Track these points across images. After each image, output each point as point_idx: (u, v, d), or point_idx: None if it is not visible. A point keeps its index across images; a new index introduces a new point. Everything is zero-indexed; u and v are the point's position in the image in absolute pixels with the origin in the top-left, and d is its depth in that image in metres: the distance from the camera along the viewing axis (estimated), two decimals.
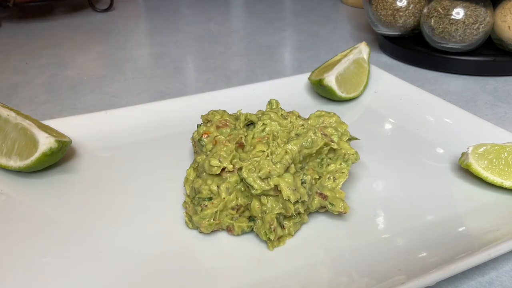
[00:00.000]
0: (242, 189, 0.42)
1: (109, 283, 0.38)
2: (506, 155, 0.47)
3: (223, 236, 0.43)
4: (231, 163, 0.42)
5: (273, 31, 1.09)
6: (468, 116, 0.58)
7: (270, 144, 0.43)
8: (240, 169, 0.42)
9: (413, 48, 0.84)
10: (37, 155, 0.48)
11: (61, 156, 0.51)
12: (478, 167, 0.48)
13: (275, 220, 0.41)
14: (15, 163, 0.49)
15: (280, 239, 0.41)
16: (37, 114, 0.68)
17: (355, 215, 0.45)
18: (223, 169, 0.42)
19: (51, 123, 0.56)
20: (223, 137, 0.44)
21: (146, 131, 0.59)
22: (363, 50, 0.70)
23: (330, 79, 0.63)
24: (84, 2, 1.24)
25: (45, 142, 0.48)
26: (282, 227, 0.42)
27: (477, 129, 0.55)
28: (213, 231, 0.43)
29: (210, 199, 0.42)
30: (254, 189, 0.41)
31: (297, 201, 0.41)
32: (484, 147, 0.49)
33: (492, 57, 0.78)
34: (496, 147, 0.48)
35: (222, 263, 0.40)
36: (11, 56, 0.93)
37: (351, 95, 0.66)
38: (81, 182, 0.50)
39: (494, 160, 0.47)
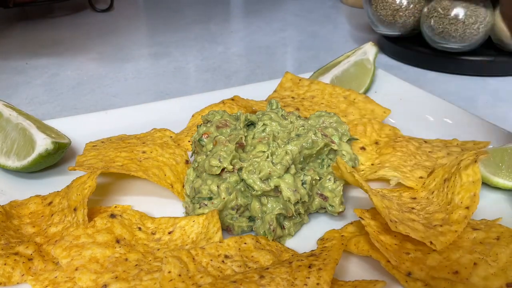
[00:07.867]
0: (242, 189, 0.42)
1: None
2: (506, 156, 0.47)
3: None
4: (231, 163, 0.42)
5: (273, 31, 1.09)
6: (468, 116, 0.58)
7: (271, 145, 0.43)
8: (240, 169, 0.41)
9: (413, 48, 0.84)
10: (33, 156, 0.48)
11: (58, 158, 0.51)
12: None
13: (275, 220, 0.41)
14: (13, 163, 0.48)
15: (280, 239, 0.41)
16: (37, 114, 0.68)
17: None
18: (223, 169, 0.42)
19: (51, 123, 0.55)
20: (223, 137, 0.44)
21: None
22: (368, 50, 0.69)
23: None
24: (84, 2, 1.24)
25: (42, 144, 0.48)
26: (282, 227, 0.42)
27: (477, 129, 0.55)
28: None
29: (210, 199, 0.42)
30: (254, 190, 0.41)
31: (297, 202, 0.41)
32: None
33: (492, 57, 0.78)
34: (496, 150, 0.48)
35: None
36: (11, 56, 0.93)
37: None
38: None
39: (495, 162, 0.47)
